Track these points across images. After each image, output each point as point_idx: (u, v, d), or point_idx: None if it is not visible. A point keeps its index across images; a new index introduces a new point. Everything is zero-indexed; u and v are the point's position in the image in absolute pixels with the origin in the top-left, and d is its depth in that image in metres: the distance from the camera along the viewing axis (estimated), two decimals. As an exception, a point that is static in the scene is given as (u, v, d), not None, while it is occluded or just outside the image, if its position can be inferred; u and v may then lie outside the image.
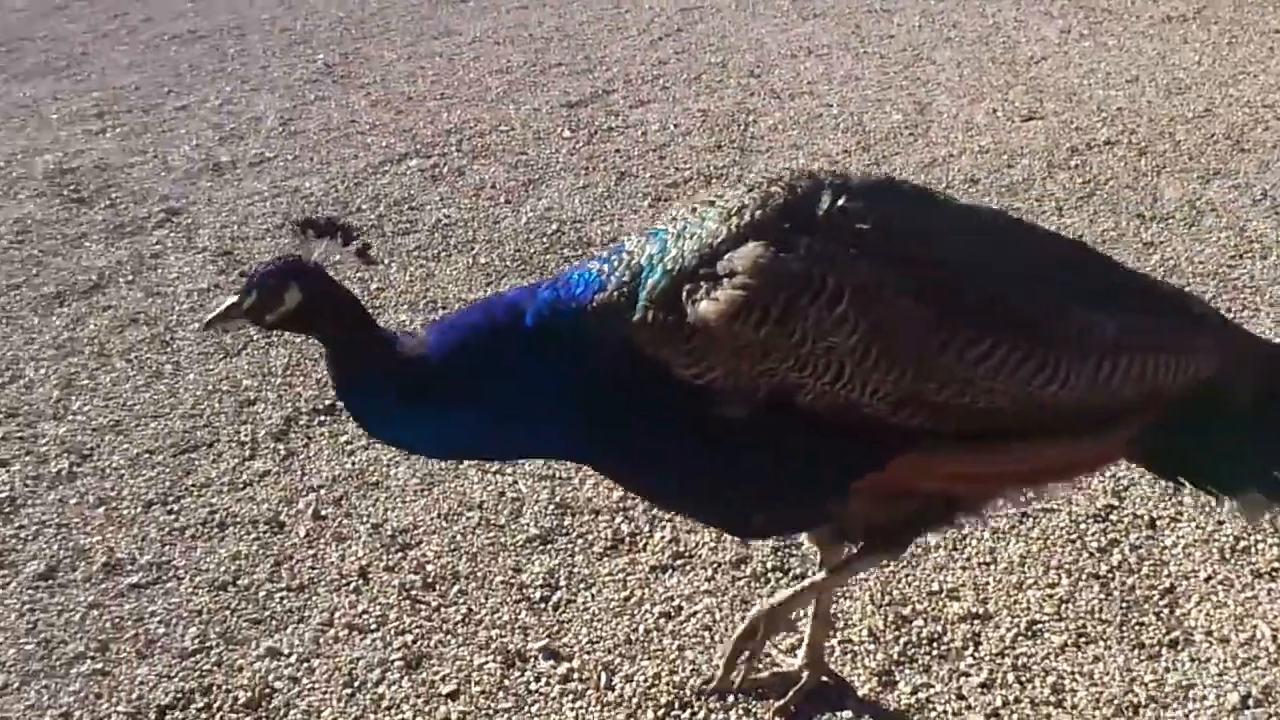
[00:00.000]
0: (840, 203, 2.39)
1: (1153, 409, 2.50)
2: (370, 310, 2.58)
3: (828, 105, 7.10)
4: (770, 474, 2.45)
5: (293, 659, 3.19)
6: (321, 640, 3.25)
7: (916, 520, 2.61)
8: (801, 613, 3.02)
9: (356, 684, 3.09)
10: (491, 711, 3.00)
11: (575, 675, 3.11)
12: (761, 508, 2.57)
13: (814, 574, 2.94)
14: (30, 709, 3.08)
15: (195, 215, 6.07)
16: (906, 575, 3.37)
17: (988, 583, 3.34)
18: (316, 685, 3.11)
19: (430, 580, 3.45)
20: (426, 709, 3.02)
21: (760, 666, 3.04)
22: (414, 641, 3.23)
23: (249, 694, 3.08)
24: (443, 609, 3.35)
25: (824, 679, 3.01)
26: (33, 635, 3.32)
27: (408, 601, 3.37)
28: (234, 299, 2.49)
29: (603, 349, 2.38)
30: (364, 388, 2.48)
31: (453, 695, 3.06)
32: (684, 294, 2.31)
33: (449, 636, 3.25)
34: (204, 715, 3.03)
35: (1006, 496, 2.72)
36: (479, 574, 3.47)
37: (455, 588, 3.42)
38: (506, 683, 3.09)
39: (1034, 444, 2.46)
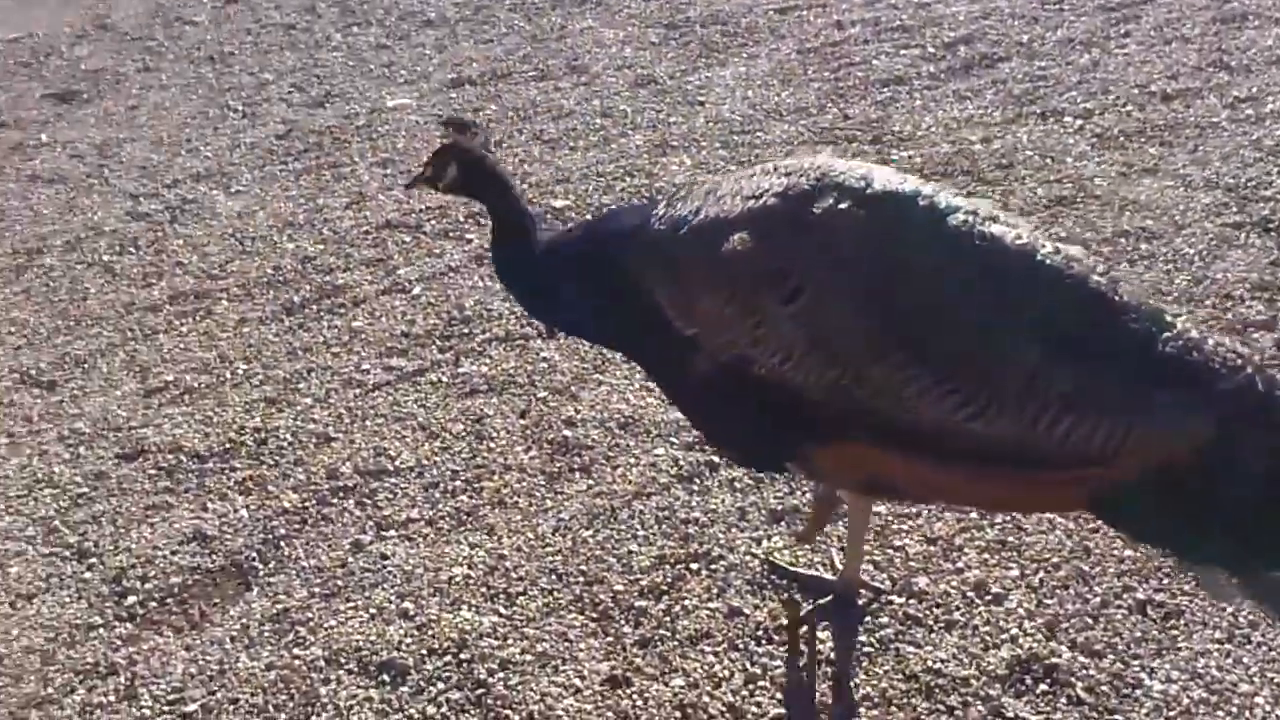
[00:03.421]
0: (841, 206, 2.51)
1: (1117, 471, 2.29)
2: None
3: None
4: (732, 422, 2.74)
5: None
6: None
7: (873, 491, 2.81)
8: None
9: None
10: None
11: None
12: (729, 445, 2.96)
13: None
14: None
15: None
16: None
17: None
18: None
19: None
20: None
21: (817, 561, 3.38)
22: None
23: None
24: None
25: (861, 595, 3.24)
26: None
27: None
28: (419, 170, 3.28)
29: (633, 278, 2.74)
30: (507, 252, 3.12)
31: None
32: (687, 259, 2.63)
33: None
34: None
35: (953, 505, 3.22)
36: None
37: None
38: None
39: (962, 467, 2.44)
